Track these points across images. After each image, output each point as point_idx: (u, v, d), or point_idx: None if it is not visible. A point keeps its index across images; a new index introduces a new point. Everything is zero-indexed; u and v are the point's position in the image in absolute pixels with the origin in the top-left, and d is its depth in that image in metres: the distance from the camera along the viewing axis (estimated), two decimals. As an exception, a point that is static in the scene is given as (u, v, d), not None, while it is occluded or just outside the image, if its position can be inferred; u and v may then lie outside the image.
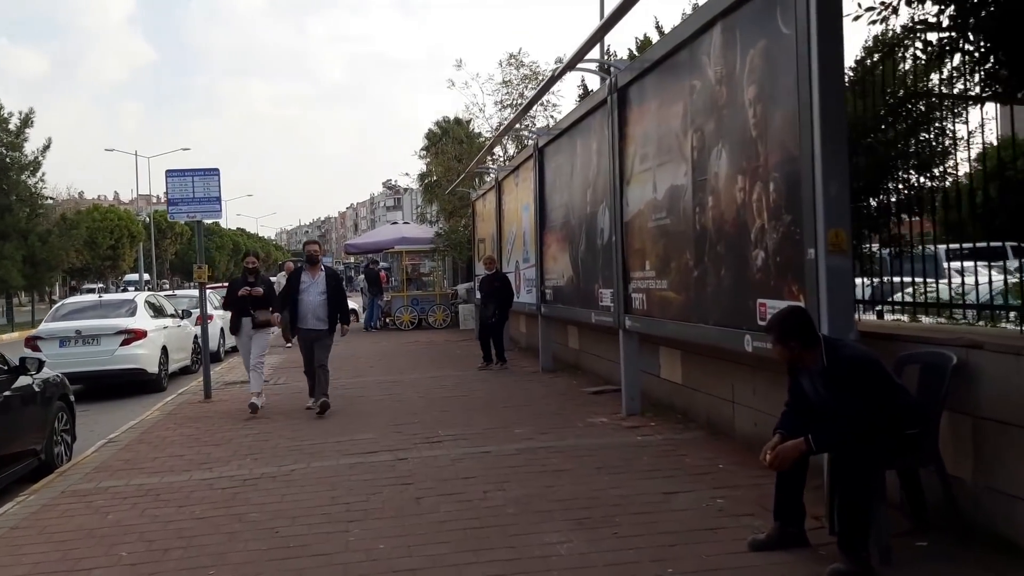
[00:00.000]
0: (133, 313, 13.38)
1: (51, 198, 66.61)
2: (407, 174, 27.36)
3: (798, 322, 4.23)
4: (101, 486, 6.66)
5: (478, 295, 14.92)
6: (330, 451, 7.41)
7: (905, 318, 6.16)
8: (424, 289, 23.92)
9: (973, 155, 6.26)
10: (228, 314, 18.79)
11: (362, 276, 26.90)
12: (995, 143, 6.83)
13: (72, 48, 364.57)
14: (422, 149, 30.48)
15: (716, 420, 7.41)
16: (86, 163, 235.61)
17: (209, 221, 12.03)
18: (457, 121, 28.92)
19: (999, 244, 6.59)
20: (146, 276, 64.19)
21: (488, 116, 23.58)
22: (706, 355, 7.46)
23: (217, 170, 10.85)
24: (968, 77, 4.81)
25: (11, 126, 34.40)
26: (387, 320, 23.39)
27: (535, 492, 5.71)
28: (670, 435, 7.37)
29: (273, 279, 15.51)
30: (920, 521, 4.45)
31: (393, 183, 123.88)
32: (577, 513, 5.20)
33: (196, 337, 16.29)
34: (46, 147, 36.14)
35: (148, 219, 65.50)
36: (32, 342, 12.70)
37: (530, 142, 12.77)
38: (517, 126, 14.93)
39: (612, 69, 8.55)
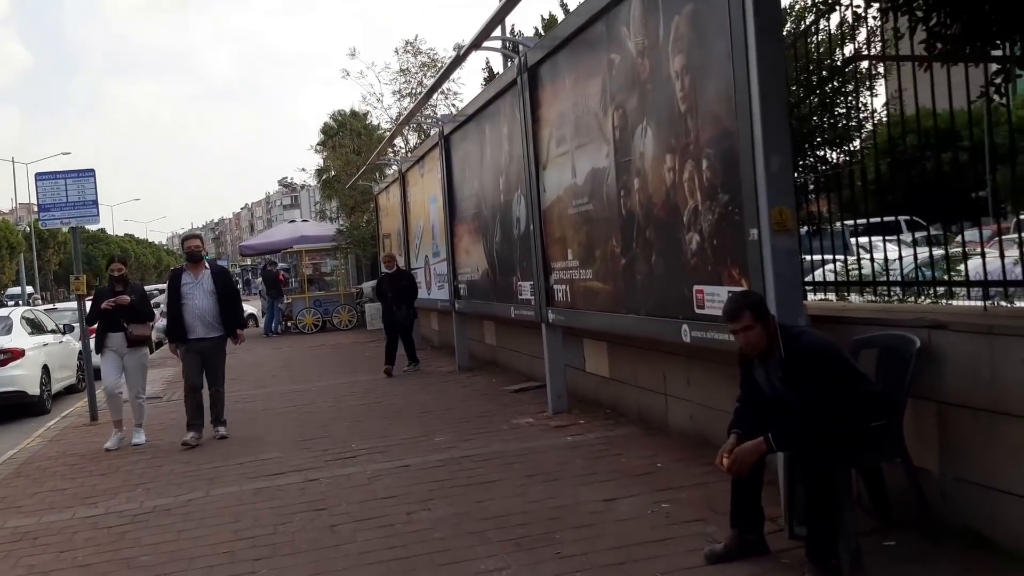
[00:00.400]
0: (8, 331, 12.18)
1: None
2: (303, 169, 26.37)
3: (759, 303, 3.84)
4: (-35, 534, 5.80)
5: (376, 296, 14.03)
6: (231, 475, 6.70)
7: (832, 297, 5.92)
8: (327, 289, 23.01)
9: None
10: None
11: (260, 279, 25.75)
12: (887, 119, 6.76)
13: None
14: (318, 144, 29.43)
15: (648, 415, 7.04)
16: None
17: (90, 227, 10.97)
18: (354, 114, 27.96)
19: (892, 219, 6.60)
20: (29, 289, 60.53)
21: (387, 107, 22.91)
22: (634, 346, 7.08)
23: (92, 171, 9.87)
24: (910, 38, 4.50)
25: None
26: (289, 324, 22.39)
27: (464, 510, 5.19)
28: (601, 433, 6.96)
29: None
30: (884, 518, 4.14)
31: (289, 180, 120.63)
32: (513, 532, 4.70)
33: (81, 353, 15.15)
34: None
35: (28, 228, 61.67)
36: None
37: (435, 130, 12.18)
38: (419, 115, 14.34)
39: (521, 47, 8.07)
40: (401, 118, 15.19)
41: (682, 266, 5.29)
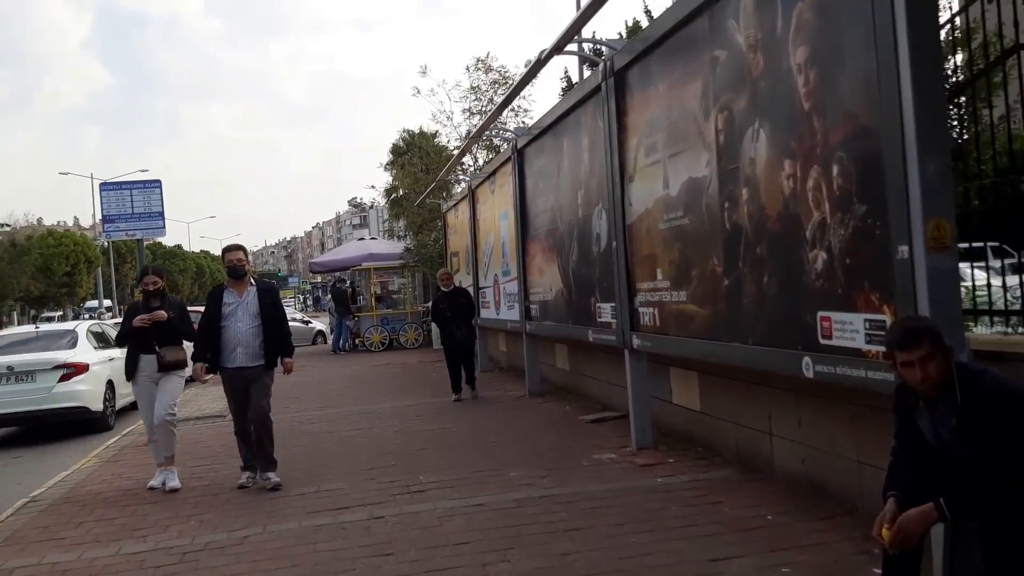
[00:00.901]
0: (74, 344, 12.00)
1: (6, 224, 64.65)
2: (372, 187, 26.07)
3: (939, 329, 3.10)
4: (4, 567, 5.38)
5: (432, 317, 12.60)
6: (292, 508, 6.18)
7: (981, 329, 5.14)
8: (394, 307, 22.68)
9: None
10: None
11: (329, 296, 25.60)
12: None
13: (28, 74, 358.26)
14: (387, 163, 29.34)
15: (749, 455, 6.30)
16: (44, 190, 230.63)
17: (159, 239, 10.72)
18: (423, 134, 27.79)
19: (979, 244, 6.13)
20: (107, 302, 62.11)
21: (456, 124, 22.46)
22: (732, 378, 6.36)
23: (158, 182, 9.61)
24: None
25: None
26: (356, 341, 22.11)
27: (548, 564, 4.54)
28: (695, 475, 6.24)
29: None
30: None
31: (359, 200, 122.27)
32: (607, 596, 4.05)
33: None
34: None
35: (107, 244, 63.47)
36: (-44, 382, 11.29)
37: (507, 144, 11.65)
38: (490, 130, 13.85)
39: (605, 51, 7.47)
40: (472, 134, 14.72)
41: (803, 289, 4.59)
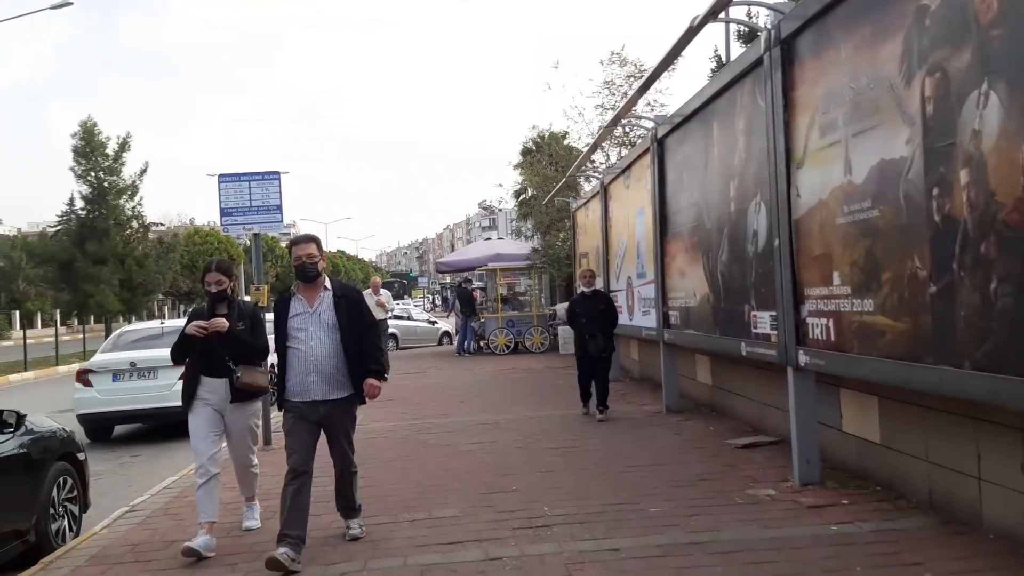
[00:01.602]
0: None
1: (160, 223, 68.18)
2: (500, 185, 25.37)
3: None
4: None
5: (567, 320, 10.62)
6: (399, 538, 5.45)
7: None
8: (520, 310, 21.99)
9: None
10: None
11: (454, 296, 25.23)
12: None
13: (184, 83, 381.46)
14: (516, 165, 28.80)
15: (946, 502, 5.11)
16: (199, 192, 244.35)
17: (270, 234, 10.31)
18: (553, 135, 26.97)
19: None
20: (247, 298, 64.82)
21: (588, 121, 21.51)
22: (923, 405, 5.19)
23: (277, 173, 9.16)
24: None
25: (109, 151, 34.42)
26: (481, 344, 21.55)
27: (705, 643, 3.59)
28: (879, 523, 5.11)
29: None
30: None
31: (488, 204, 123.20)
32: None
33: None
34: (143, 171, 36.05)
35: (247, 241, 66.16)
36: (83, 376, 11.30)
37: (644, 135, 10.65)
38: (625, 121, 12.88)
39: (770, 16, 6.39)
40: (607, 123, 13.75)
41: (1058, 299, 3.44)
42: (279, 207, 9.13)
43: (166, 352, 11.31)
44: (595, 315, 9.83)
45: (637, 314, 11.51)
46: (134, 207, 35.93)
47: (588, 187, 18.19)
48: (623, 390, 12.23)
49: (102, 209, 34.34)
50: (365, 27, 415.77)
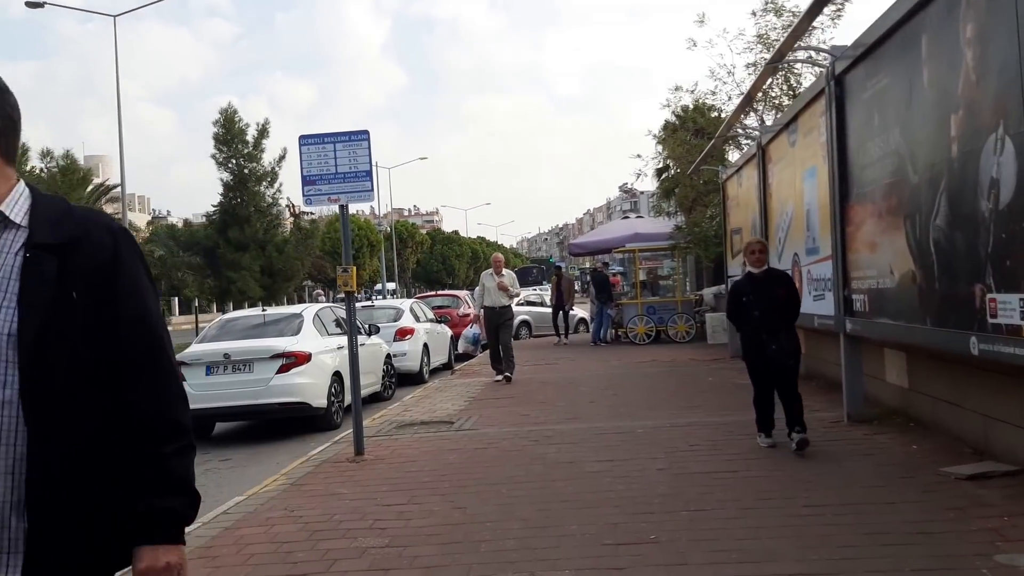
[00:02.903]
0: (297, 331, 10.68)
1: (311, 211, 69.71)
2: (639, 156, 23.29)
3: None
4: None
5: (733, 311, 7.52)
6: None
7: None
8: (662, 295, 19.97)
9: None
10: (429, 327, 16.59)
11: (589, 281, 23.43)
12: None
13: (335, 77, 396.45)
14: (657, 135, 26.50)
15: None
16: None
17: (357, 207, 8.92)
18: (697, 108, 24.55)
19: None
20: (391, 285, 65.16)
21: (739, 81, 19.14)
22: None
23: (366, 133, 7.71)
24: None
25: (248, 137, 34.68)
26: (619, 332, 19.72)
27: None
28: None
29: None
30: None
31: (629, 186, 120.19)
32: None
33: (391, 357, 13.65)
34: (282, 157, 36.12)
35: (389, 228, 66.50)
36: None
37: (819, 70, 8.52)
38: (788, 58, 10.76)
39: None
40: (774, 54, 11.51)
41: None
42: (368, 174, 7.69)
43: (263, 343, 10.36)
44: (773, 305, 6.88)
45: (808, 299, 9.37)
46: (274, 193, 36.14)
47: (740, 152, 16.03)
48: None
49: (243, 196, 34.67)
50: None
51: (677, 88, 19.22)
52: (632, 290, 20.22)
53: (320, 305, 11.86)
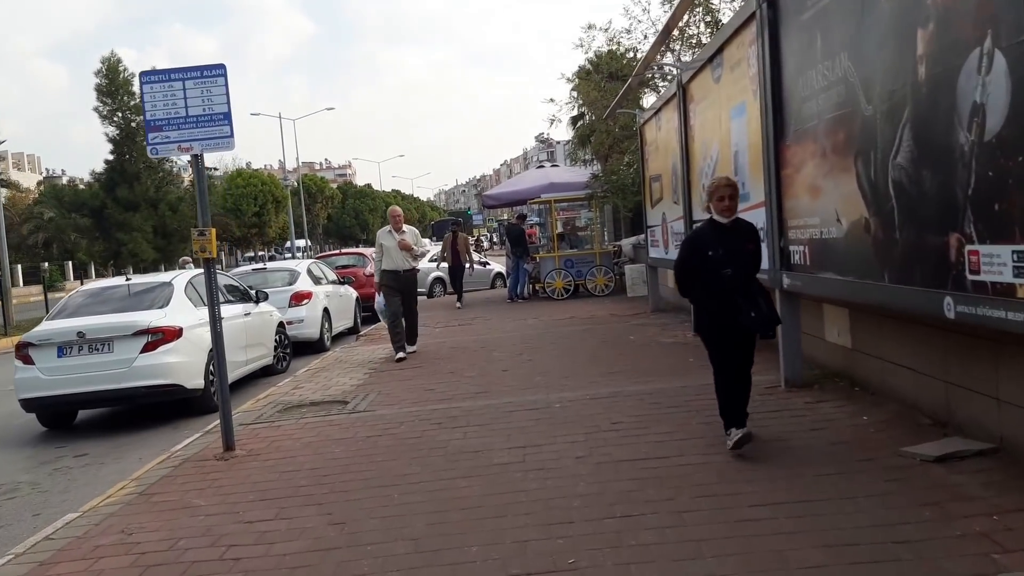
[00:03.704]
0: (166, 303, 9.31)
1: (215, 168, 66.44)
2: (552, 100, 22.18)
3: None
4: None
5: (690, 267, 5.65)
6: None
7: None
8: (580, 247, 19.08)
9: None
10: (331, 290, 15.27)
11: (503, 234, 22.37)
12: None
13: (238, 29, 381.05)
14: (569, 80, 25.35)
15: None
16: (260, 136, 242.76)
17: (216, 156, 7.58)
18: (611, 53, 23.42)
19: None
20: (300, 242, 62.67)
21: (654, 19, 18.20)
22: None
23: (222, 67, 6.40)
24: None
25: (134, 88, 32.12)
26: (536, 288, 18.80)
27: None
28: None
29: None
30: None
31: (545, 136, 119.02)
32: None
33: (284, 325, 12.36)
34: (174, 110, 33.78)
35: (296, 183, 63.90)
36: (22, 351, 8.88)
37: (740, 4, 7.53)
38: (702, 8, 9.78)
39: None
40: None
41: None
42: (227, 116, 6.39)
43: (123, 318, 8.94)
44: (742, 260, 5.43)
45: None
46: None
47: (652, 100, 15.13)
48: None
49: (132, 152, 32.34)
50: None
51: (590, 27, 18.12)
52: (549, 243, 19.25)
53: (193, 272, 10.49)
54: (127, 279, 10.09)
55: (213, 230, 6.49)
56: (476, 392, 8.15)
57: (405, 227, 11.12)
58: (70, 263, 54.44)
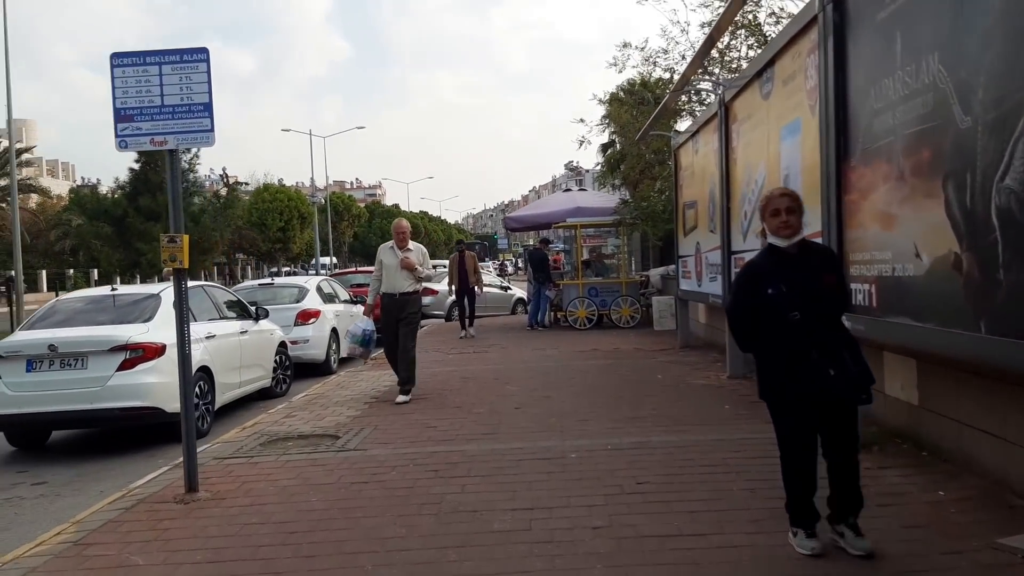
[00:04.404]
0: (150, 317, 8.49)
1: (245, 183, 66.34)
2: (582, 120, 21.43)
3: None
4: None
5: (745, 306, 4.32)
6: None
7: None
8: (605, 275, 18.14)
9: None
10: (342, 309, 14.42)
11: (526, 260, 21.49)
12: None
13: (276, 47, 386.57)
14: (602, 101, 24.56)
15: None
16: (292, 153, 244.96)
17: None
18: (644, 83, 22.58)
19: None
20: (324, 260, 62.21)
21: (692, 41, 17.31)
22: None
23: (204, 51, 5.60)
24: None
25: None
26: (558, 316, 17.88)
27: None
28: None
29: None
30: None
31: (575, 164, 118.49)
32: None
33: (286, 345, 11.54)
34: (200, 120, 33.46)
35: (323, 200, 63.59)
36: (-12, 364, 8.09)
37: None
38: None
39: None
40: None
41: None
42: (207, 107, 5.58)
43: (100, 332, 8.12)
44: (819, 297, 4.05)
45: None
46: (191, 159, 33.48)
47: (686, 125, 14.25)
48: (741, 390, 8.41)
49: (156, 162, 31.95)
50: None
51: (625, 45, 17.23)
52: (574, 270, 18.33)
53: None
54: (112, 289, 9.31)
55: (186, 237, 5.65)
56: (483, 433, 7.22)
57: (412, 245, 9.54)
58: (95, 270, 54.39)
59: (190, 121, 5.56)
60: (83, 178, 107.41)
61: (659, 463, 5.88)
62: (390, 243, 9.48)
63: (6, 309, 22.79)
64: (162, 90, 5.57)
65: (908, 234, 5.03)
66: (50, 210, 59.14)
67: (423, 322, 20.33)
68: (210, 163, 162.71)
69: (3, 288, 33.27)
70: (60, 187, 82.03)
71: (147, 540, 4.79)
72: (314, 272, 55.75)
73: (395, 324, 9.30)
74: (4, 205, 35.31)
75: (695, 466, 5.78)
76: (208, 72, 5.58)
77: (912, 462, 5.55)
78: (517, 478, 5.67)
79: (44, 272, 50.00)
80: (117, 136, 5.59)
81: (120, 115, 5.55)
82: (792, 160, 7.36)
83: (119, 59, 5.58)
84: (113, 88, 5.57)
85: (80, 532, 5.02)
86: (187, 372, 5.75)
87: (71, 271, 51.61)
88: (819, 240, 6.36)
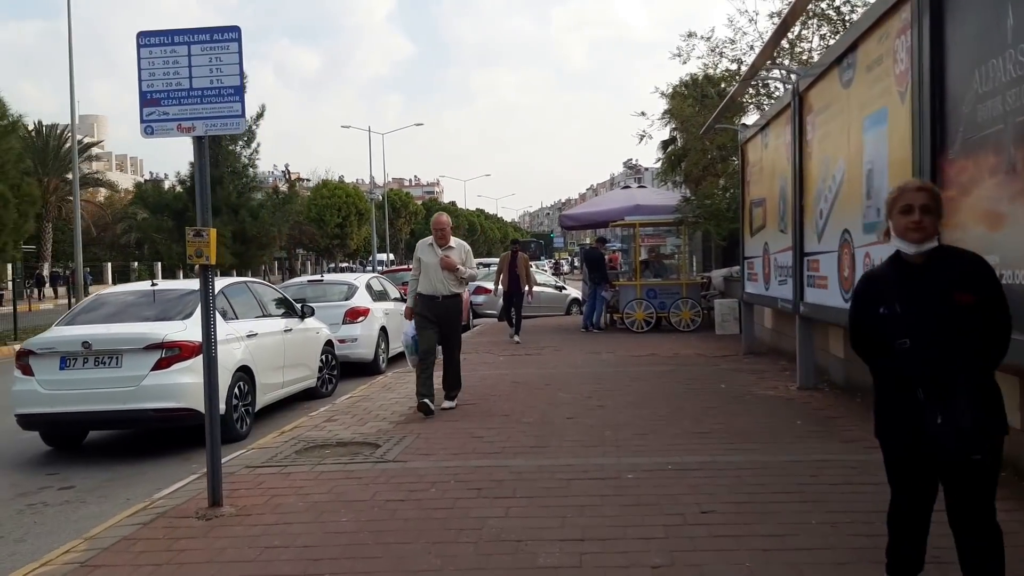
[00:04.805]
0: (189, 314, 8.16)
1: (307, 179, 67.05)
2: (643, 114, 20.78)
3: None
4: None
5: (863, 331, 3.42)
6: None
7: None
8: (664, 276, 17.45)
9: None
10: (392, 308, 14.04)
11: (581, 259, 20.90)
12: None
13: (342, 45, 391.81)
14: (664, 95, 23.80)
15: None
16: (353, 151, 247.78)
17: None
18: (707, 78, 21.78)
19: None
20: (381, 256, 62.44)
21: (761, 31, 16.53)
22: None
23: (236, 29, 5.19)
24: None
25: (221, 93, 31.93)
26: (614, 318, 17.26)
27: None
28: None
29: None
30: None
31: (634, 162, 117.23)
32: None
33: (332, 344, 11.20)
34: (259, 115, 33.62)
35: (381, 197, 63.77)
36: (22, 360, 7.85)
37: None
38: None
39: None
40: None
41: None
42: (238, 91, 5.17)
43: (137, 328, 7.83)
44: (932, 324, 3.10)
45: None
46: (251, 154, 33.62)
47: (753, 119, 13.51)
48: (813, 403, 7.73)
49: (216, 156, 32.17)
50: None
51: (690, 35, 16.54)
52: (631, 270, 17.69)
53: (229, 280, 9.34)
54: (153, 284, 9.03)
55: (213, 231, 5.25)
56: (531, 446, 6.70)
57: (454, 241, 8.62)
58: (159, 264, 55.42)
59: (220, 106, 5.16)
60: (151, 172, 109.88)
61: (725, 488, 5.29)
62: (429, 239, 8.59)
63: (67, 301, 23.02)
64: (191, 72, 5.18)
65: (1021, 235, 4.36)
66: (117, 204, 60.53)
67: (474, 321, 20.02)
68: (273, 159, 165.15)
69: (68, 280, 33.93)
70: (128, 181, 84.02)
71: (158, 564, 4.38)
72: (370, 268, 56.01)
73: (435, 329, 8.45)
74: (70, 199, 36.00)
75: (766, 492, 5.17)
76: (239, 53, 5.17)
77: (1012, 493, 4.87)
78: (567, 501, 5.14)
79: (110, 264, 51.09)
80: (143, 121, 5.21)
81: (146, 99, 5.18)
82: (877, 153, 6.68)
83: (146, 38, 5.20)
84: (140, 70, 5.20)
85: (90, 551, 4.64)
86: (213, 377, 5.34)
87: (136, 264, 52.69)
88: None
